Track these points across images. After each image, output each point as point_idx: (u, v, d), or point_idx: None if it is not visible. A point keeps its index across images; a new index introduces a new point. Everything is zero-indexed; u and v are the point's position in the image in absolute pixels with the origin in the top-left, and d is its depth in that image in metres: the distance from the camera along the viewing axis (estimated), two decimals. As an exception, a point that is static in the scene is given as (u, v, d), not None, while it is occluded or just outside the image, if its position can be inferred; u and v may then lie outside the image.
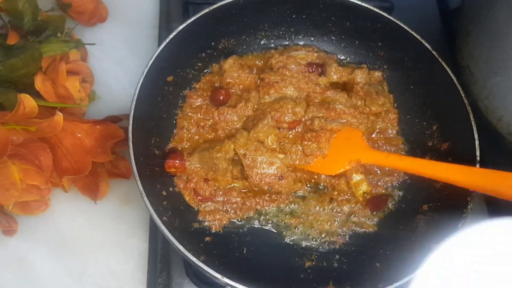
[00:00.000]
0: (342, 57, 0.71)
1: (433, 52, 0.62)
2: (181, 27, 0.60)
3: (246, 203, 0.60)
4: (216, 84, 0.67)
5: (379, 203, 0.61)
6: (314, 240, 0.59)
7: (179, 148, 0.63)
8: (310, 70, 0.67)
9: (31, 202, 0.60)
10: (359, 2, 0.63)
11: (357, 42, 0.69)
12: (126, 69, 0.73)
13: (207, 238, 0.58)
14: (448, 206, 0.58)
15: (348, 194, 0.62)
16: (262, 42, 0.71)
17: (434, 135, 0.64)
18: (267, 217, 0.61)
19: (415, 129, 0.66)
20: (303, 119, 0.64)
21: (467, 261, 0.41)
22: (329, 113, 0.64)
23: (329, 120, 0.63)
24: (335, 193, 0.62)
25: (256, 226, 0.60)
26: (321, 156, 0.61)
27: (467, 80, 0.62)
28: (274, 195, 0.61)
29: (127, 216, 0.63)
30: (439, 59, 0.61)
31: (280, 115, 0.63)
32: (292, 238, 0.59)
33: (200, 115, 0.65)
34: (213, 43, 0.67)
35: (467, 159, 0.56)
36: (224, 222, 0.59)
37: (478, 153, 0.56)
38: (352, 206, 0.61)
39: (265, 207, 0.61)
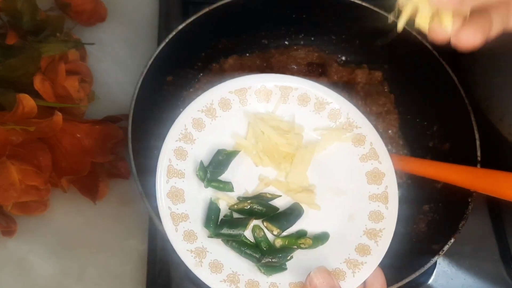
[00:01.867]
0: (343, 57, 0.71)
1: (434, 52, 0.61)
2: (180, 27, 0.60)
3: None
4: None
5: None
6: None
7: (179, 149, 0.62)
8: (311, 70, 0.67)
9: (30, 202, 0.59)
10: (360, 2, 0.63)
11: (357, 42, 0.69)
12: (125, 69, 0.72)
13: (207, 239, 0.57)
14: (449, 207, 0.58)
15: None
16: (262, 42, 0.70)
17: (435, 135, 0.64)
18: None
19: (416, 130, 0.66)
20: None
21: None
22: (330, 113, 0.64)
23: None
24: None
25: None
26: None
27: (468, 80, 0.61)
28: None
29: (126, 216, 0.63)
30: (440, 59, 0.61)
31: (280, 115, 0.62)
32: None
33: (200, 115, 0.65)
34: (213, 43, 0.67)
35: (468, 160, 0.56)
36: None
37: (479, 153, 0.56)
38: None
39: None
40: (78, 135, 0.60)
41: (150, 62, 0.57)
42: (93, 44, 0.70)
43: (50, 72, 0.61)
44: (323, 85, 0.67)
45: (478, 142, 0.56)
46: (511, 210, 0.66)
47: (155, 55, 0.58)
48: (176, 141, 0.48)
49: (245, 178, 0.50)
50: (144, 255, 0.61)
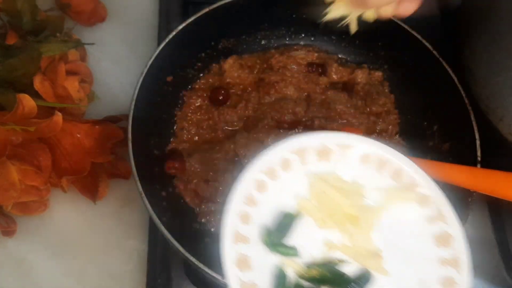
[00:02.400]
0: (343, 57, 0.71)
1: (434, 52, 0.61)
2: (180, 27, 0.60)
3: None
4: (216, 84, 0.67)
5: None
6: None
7: (179, 149, 0.62)
8: (311, 70, 0.67)
9: (30, 203, 0.59)
10: (360, 2, 0.63)
11: (357, 42, 0.69)
12: (125, 69, 0.72)
13: (207, 239, 0.57)
14: (449, 207, 0.58)
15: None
16: (262, 42, 0.70)
17: (435, 135, 0.64)
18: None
19: (416, 130, 0.66)
20: (303, 119, 0.63)
21: None
22: (329, 113, 0.64)
23: (329, 120, 0.63)
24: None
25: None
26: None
27: (468, 80, 0.61)
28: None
29: (126, 217, 0.63)
30: (440, 59, 0.61)
31: (280, 115, 0.62)
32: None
33: (200, 115, 0.65)
34: (213, 43, 0.67)
35: (468, 160, 0.56)
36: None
37: (479, 153, 0.56)
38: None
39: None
40: (78, 135, 0.60)
41: (150, 62, 0.57)
42: (93, 44, 0.70)
43: (50, 72, 0.61)
44: (324, 85, 0.67)
45: (478, 142, 0.56)
46: (511, 210, 0.66)
47: (155, 55, 0.58)
48: (240, 204, 0.46)
49: (309, 241, 0.48)
50: (144, 255, 0.61)
